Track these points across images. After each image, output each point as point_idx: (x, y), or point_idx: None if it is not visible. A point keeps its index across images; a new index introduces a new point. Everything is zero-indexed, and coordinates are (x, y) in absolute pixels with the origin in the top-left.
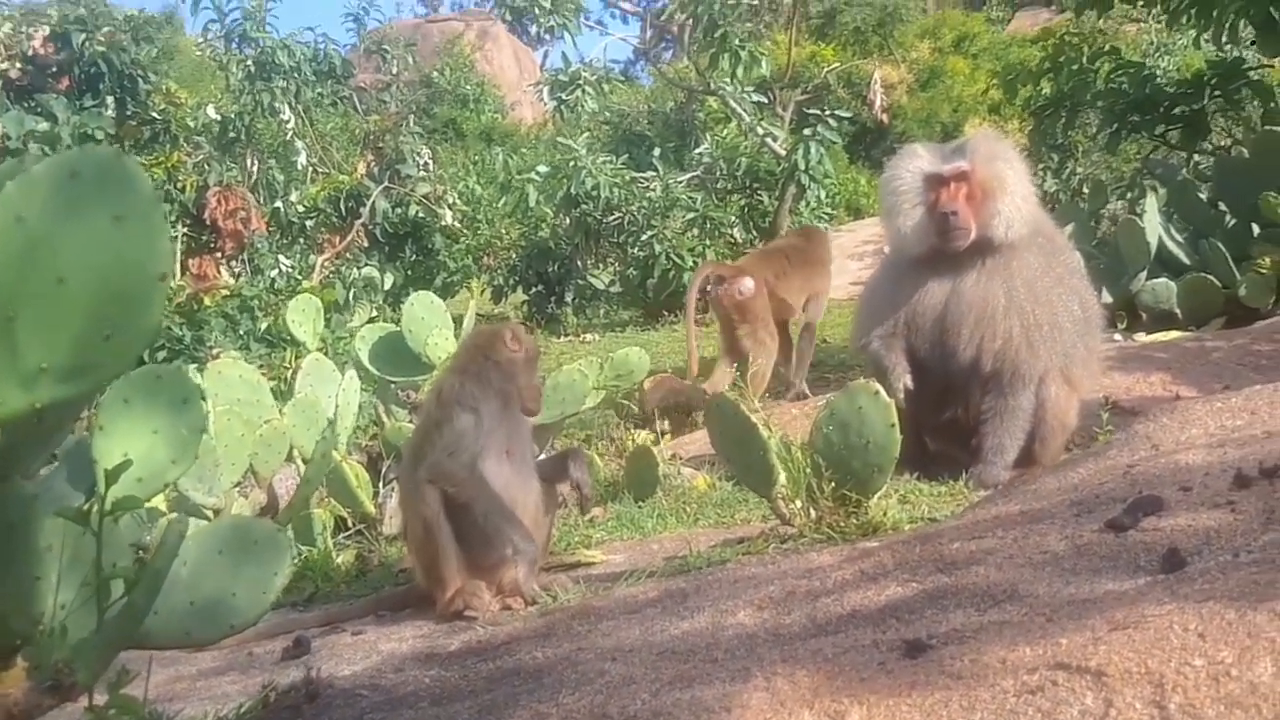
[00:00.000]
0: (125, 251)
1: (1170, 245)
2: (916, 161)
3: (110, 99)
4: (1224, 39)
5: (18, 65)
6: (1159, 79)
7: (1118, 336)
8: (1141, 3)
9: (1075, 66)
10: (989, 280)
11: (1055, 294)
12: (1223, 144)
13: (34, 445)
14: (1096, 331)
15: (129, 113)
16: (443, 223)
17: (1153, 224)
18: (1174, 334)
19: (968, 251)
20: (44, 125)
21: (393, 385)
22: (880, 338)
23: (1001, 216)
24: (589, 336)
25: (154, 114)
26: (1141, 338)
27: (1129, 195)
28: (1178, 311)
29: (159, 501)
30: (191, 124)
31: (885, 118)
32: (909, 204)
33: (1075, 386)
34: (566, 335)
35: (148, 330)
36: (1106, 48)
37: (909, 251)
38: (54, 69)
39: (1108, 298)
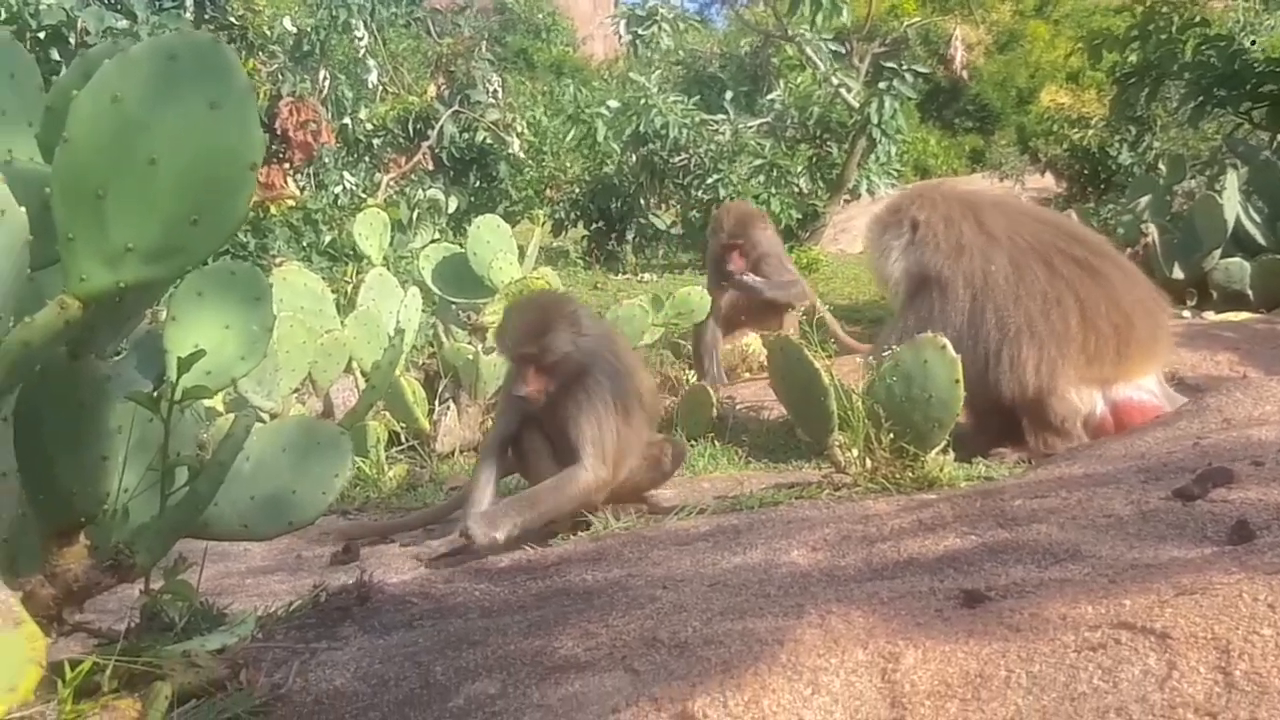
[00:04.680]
0: (218, 137)
1: (1247, 224)
2: None
3: (189, 1)
4: None
5: None
6: (1248, 55)
7: (1186, 313)
8: None
9: (1164, 36)
10: None
11: None
12: None
13: (112, 326)
14: None
15: (207, 16)
16: (509, 151)
17: (1231, 202)
18: (1244, 315)
19: None
20: (123, 23)
21: (454, 306)
22: None
23: None
24: (647, 276)
25: (232, 19)
26: (1211, 316)
27: (1207, 172)
28: (1249, 293)
29: (216, 402)
30: (268, 33)
31: (965, 75)
32: None
33: None
34: (624, 273)
35: (234, 218)
36: (1197, 19)
37: None
38: None
39: (1179, 273)
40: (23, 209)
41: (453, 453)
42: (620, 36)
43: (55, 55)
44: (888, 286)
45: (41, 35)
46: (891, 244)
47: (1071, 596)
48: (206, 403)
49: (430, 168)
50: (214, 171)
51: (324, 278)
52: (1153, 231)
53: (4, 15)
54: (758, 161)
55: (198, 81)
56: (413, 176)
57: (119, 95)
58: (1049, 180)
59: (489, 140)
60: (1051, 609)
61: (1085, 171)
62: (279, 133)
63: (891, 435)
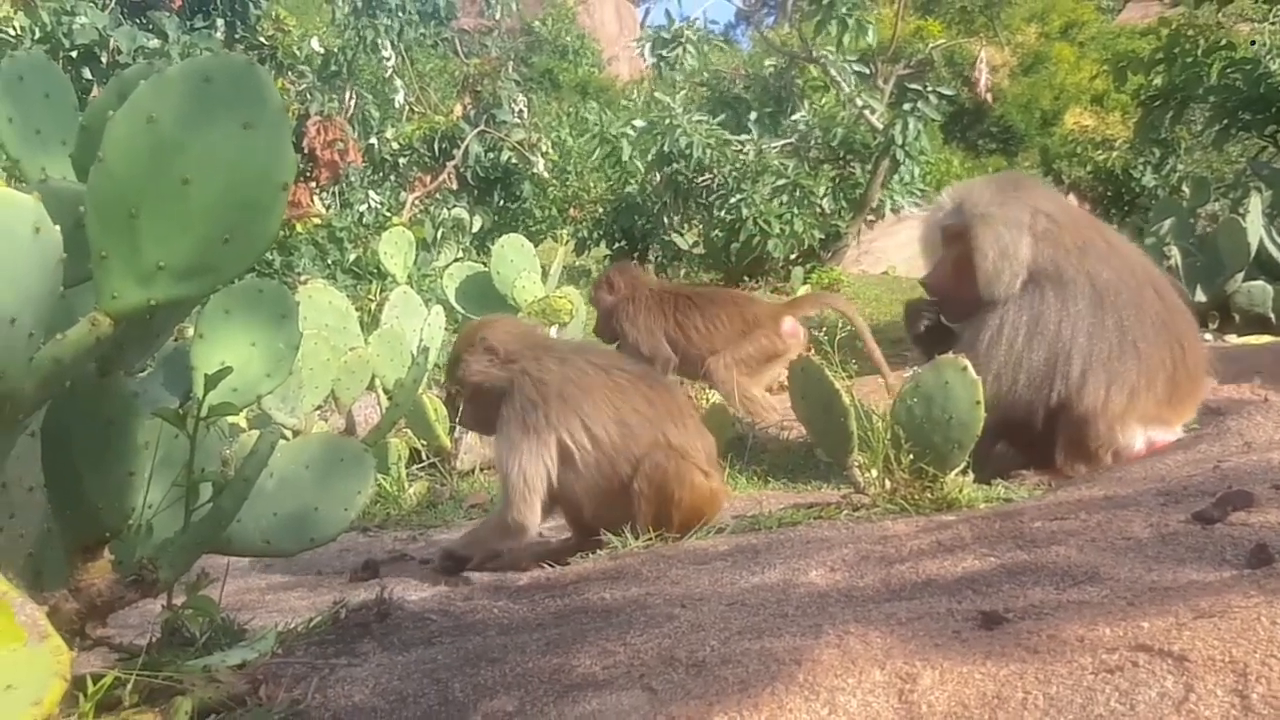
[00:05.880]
0: (252, 158)
1: (1270, 248)
2: None
3: (220, 21)
4: None
5: None
6: (1274, 78)
7: (1208, 336)
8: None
9: (1189, 59)
10: None
11: None
12: None
13: (141, 343)
14: None
15: (237, 36)
16: (533, 171)
17: (1255, 225)
18: (1266, 338)
19: None
20: (154, 43)
21: None
22: None
23: None
24: None
25: (262, 39)
26: (1233, 339)
27: (1231, 195)
28: (1272, 316)
29: (240, 419)
30: (297, 53)
31: (990, 97)
32: None
33: None
34: None
35: (266, 237)
36: (1222, 43)
37: None
38: None
39: (1202, 296)
40: (57, 227)
41: (473, 471)
42: (645, 57)
43: (88, 74)
44: (1006, 262)
45: (74, 54)
46: (1023, 220)
47: (1089, 618)
48: (230, 419)
49: (455, 187)
50: (247, 192)
51: (349, 296)
52: (1176, 254)
53: (38, 34)
54: (781, 181)
55: (232, 103)
56: (438, 195)
57: (154, 116)
58: (1072, 202)
59: (514, 160)
60: (1069, 631)
61: (1109, 194)
62: (306, 151)
63: (911, 456)
